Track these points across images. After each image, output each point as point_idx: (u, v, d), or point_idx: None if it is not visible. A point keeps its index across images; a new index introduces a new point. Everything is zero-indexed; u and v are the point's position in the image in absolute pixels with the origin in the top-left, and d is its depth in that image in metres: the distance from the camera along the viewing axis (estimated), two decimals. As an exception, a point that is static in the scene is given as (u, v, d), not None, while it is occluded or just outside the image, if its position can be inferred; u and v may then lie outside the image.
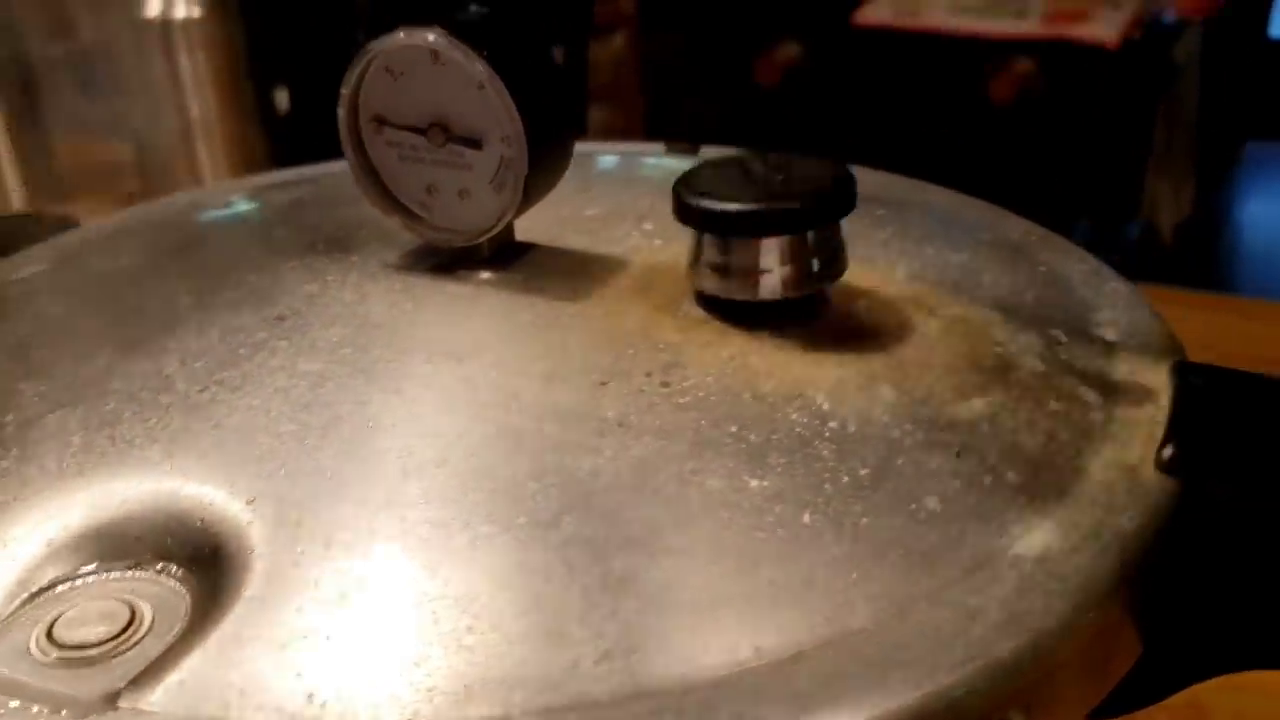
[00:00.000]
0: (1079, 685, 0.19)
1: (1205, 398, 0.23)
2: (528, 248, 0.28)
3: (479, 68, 0.25)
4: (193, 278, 0.28)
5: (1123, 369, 0.25)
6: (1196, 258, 2.86)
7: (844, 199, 0.24)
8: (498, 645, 0.18)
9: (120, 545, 0.20)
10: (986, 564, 0.19)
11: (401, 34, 0.25)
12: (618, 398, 0.22)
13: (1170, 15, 1.90)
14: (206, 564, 0.19)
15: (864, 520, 0.20)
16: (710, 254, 0.25)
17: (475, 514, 0.20)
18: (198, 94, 0.87)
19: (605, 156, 0.38)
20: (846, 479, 0.20)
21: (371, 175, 0.27)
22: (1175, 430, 0.22)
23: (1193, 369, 0.25)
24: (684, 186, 0.24)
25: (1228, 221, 3.26)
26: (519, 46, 0.26)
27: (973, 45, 1.70)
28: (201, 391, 0.23)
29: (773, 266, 0.24)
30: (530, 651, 0.17)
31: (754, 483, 0.20)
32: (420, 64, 0.26)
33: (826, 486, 0.20)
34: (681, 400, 0.22)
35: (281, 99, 1.03)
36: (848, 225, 0.25)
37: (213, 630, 0.18)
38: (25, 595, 0.19)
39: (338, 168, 0.29)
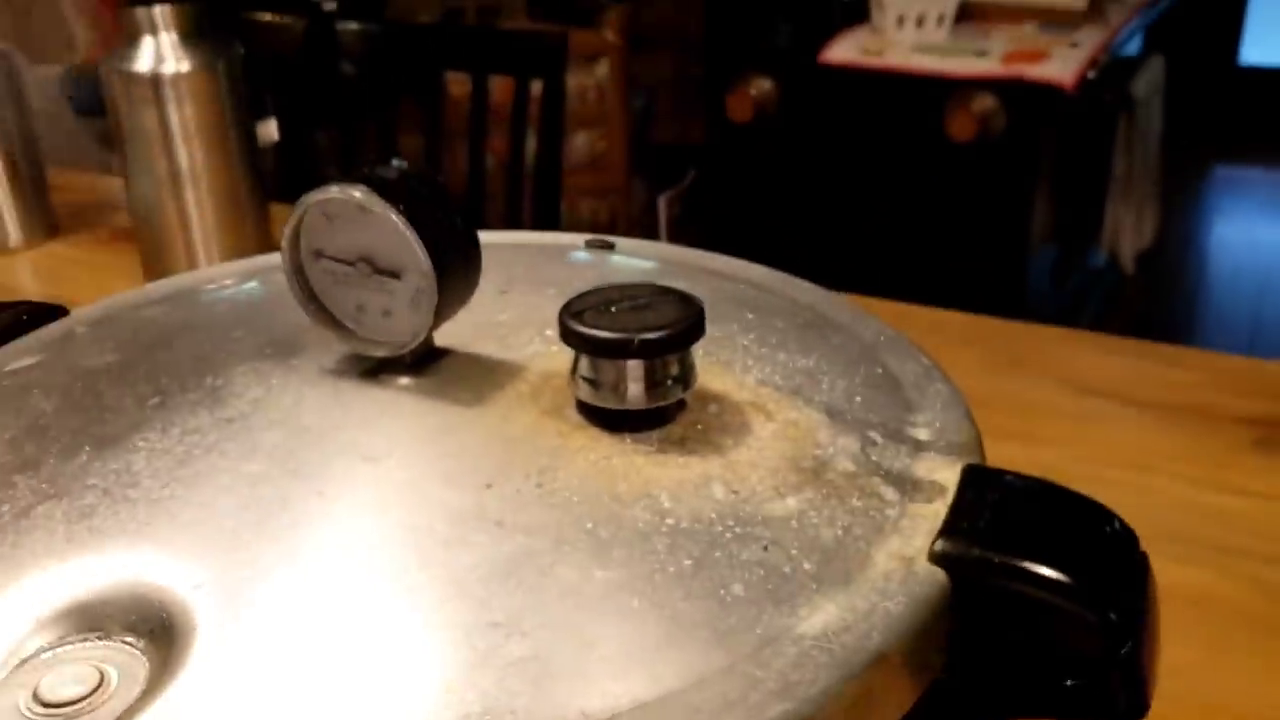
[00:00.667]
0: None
1: (981, 498, 0.29)
2: (444, 353, 0.33)
3: (395, 219, 0.30)
4: (161, 377, 0.33)
5: (922, 468, 0.30)
6: (1158, 285, 2.92)
7: (692, 331, 0.29)
8: (396, 698, 0.23)
9: (93, 619, 0.25)
10: (773, 641, 0.25)
11: (334, 188, 0.31)
12: (499, 499, 0.27)
13: (1127, 50, 1.96)
14: (162, 637, 0.25)
15: (681, 605, 0.25)
16: (584, 370, 0.30)
17: (376, 597, 0.25)
18: (185, 145, 0.92)
19: (529, 250, 0.43)
20: (672, 569, 0.26)
21: (310, 296, 0.32)
22: (947, 527, 0.28)
23: (979, 471, 0.30)
24: (566, 313, 0.30)
25: (1192, 246, 3.33)
26: (427, 198, 0.31)
27: (935, 84, 1.76)
28: (164, 488, 0.28)
29: (633, 382, 0.29)
30: (419, 702, 0.23)
31: (599, 573, 0.26)
32: (350, 212, 0.31)
33: (656, 576, 0.26)
34: (551, 501, 0.27)
35: (270, 129, 1.08)
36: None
37: (167, 691, 0.23)
38: (16, 662, 0.25)
39: None
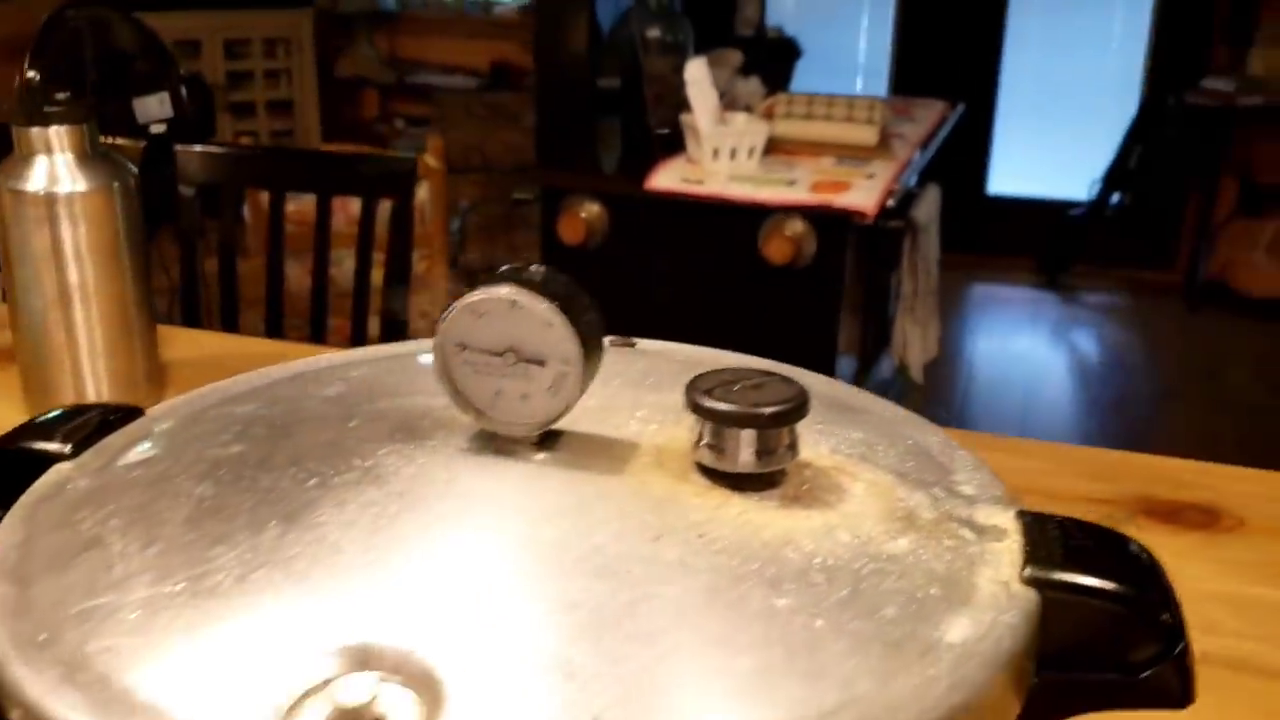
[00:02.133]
0: (991, 724, 0.30)
1: (1044, 535, 0.35)
2: (559, 434, 0.38)
3: (549, 313, 0.35)
4: (306, 462, 0.36)
5: (981, 515, 0.37)
6: (940, 391, 3.17)
7: (802, 407, 0.35)
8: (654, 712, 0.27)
9: (361, 662, 0.28)
10: (932, 649, 0.30)
11: (492, 289, 0.35)
12: (672, 547, 0.32)
13: (910, 181, 2.16)
14: (424, 681, 0.28)
15: (852, 624, 0.30)
16: (712, 439, 0.35)
17: (602, 632, 0.29)
18: (77, 264, 0.92)
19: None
20: (834, 598, 0.31)
21: (452, 384, 0.37)
22: (1029, 557, 0.34)
23: (1029, 515, 0.37)
24: (697, 391, 0.35)
25: (963, 356, 3.63)
26: (569, 295, 0.36)
27: (750, 210, 1.90)
28: (366, 554, 0.32)
29: (757, 449, 0.35)
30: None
31: (780, 602, 0.31)
32: (501, 308, 0.35)
33: (824, 603, 0.31)
34: (715, 548, 0.32)
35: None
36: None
37: None
38: (304, 692, 0.27)
39: (358, 356, 0.39)
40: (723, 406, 0.35)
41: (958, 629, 0.31)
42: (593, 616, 0.30)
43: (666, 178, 1.94)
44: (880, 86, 4.33)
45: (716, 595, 0.31)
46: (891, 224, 1.97)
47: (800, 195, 1.87)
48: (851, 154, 2.07)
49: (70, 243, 0.92)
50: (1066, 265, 4.30)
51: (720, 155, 1.96)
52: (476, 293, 0.36)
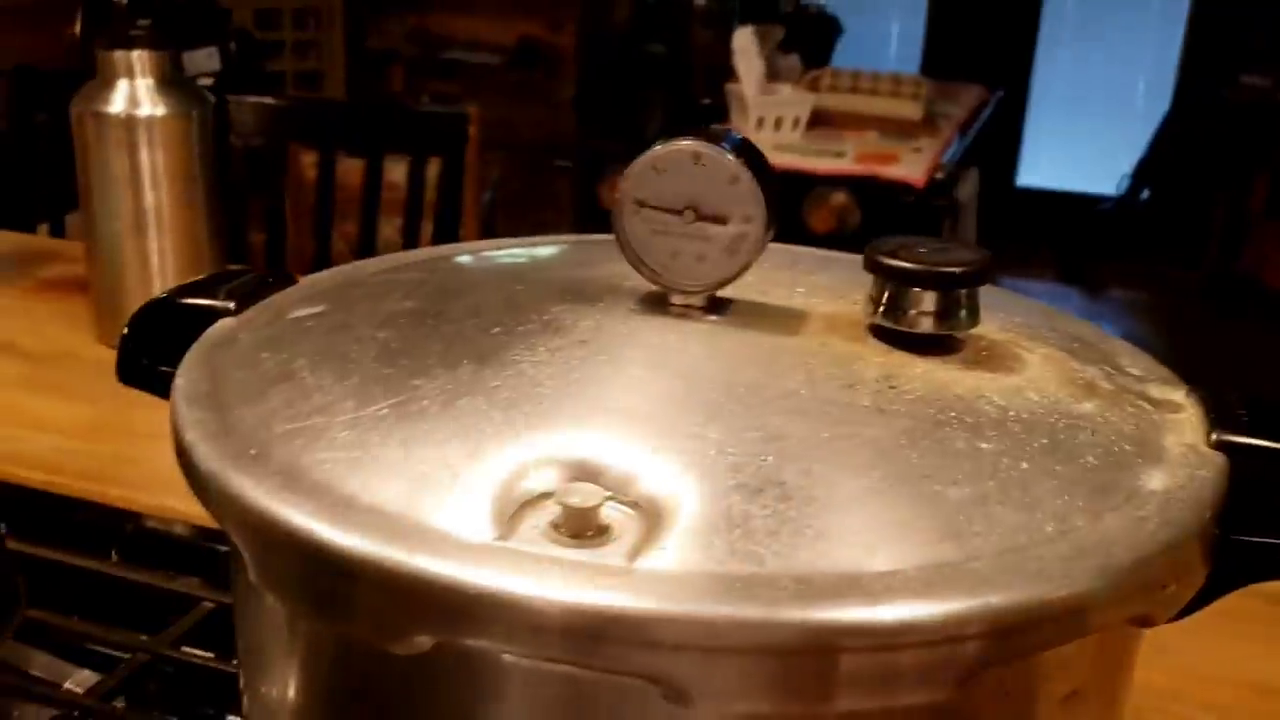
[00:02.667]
0: (1191, 576, 0.30)
1: (1223, 406, 0.35)
2: (728, 301, 0.38)
3: (735, 165, 0.35)
4: (482, 314, 0.36)
5: (1155, 391, 0.37)
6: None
7: (990, 269, 0.35)
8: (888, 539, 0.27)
9: (586, 475, 0.28)
10: (1137, 494, 0.30)
11: (670, 143, 0.35)
12: (868, 395, 0.32)
13: (954, 160, 2.16)
14: (646, 502, 0.28)
15: (1058, 468, 0.30)
16: (897, 300, 0.35)
17: (814, 459, 0.29)
18: (154, 189, 0.92)
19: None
20: (1036, 445, 0.31)
21: (628, 242, 0.37)
22: (1215, 424, 0.34)
23: (1202, 390, 0.37)
24: (882, 252, 0.35)
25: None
26: (751, 153, 0.36)
27: (794, 180, 1.90)
28: (567, 387, 0.32)
29: (941, 310, 0.35)
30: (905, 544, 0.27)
31: (984, 445, 0.31)
32: (683, 164, 0.35)
33: (1027, 448, 0.31)
34: (909, 397, 0.32)
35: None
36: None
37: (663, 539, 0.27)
38: (530, 495, 0.28)
39: (509, 243, 0.40)
40: (909, 265, 0.35)
41: (1156, 480, 0.31)
42: (801, 446, 0.30)
43: (712, 146, 1.94)
44: (911, 70, 4.32)
45: (919, 436, 0.31)
46: (937, 200, 1.97)
47: (848, 165, 1.87)
48: (895, 129, 2.07)
49: (148, 167, 0.92)
50: (1093, 260, 4.29)
51: (765, 125, 1.96)
52: (657, 147, 0.36)
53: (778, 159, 1.92)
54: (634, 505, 0.28)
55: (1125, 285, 4.32)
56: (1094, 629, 0.28)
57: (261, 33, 4.15)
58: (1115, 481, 0.31)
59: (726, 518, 0.27)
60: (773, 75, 2.19)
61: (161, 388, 0.40)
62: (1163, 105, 4.17)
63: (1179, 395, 0.37)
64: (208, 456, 0.30)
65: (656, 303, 0.37)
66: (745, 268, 0.36)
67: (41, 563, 0.63)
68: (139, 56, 0.91)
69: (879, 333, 0.36)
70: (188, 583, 0.62)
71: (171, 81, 0.93)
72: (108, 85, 0.91)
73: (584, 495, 0.27)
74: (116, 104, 0.91)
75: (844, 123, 2.06)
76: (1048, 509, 0.29)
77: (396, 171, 1.59)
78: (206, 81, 1.82)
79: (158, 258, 0.94)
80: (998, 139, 3.98)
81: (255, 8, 4.15)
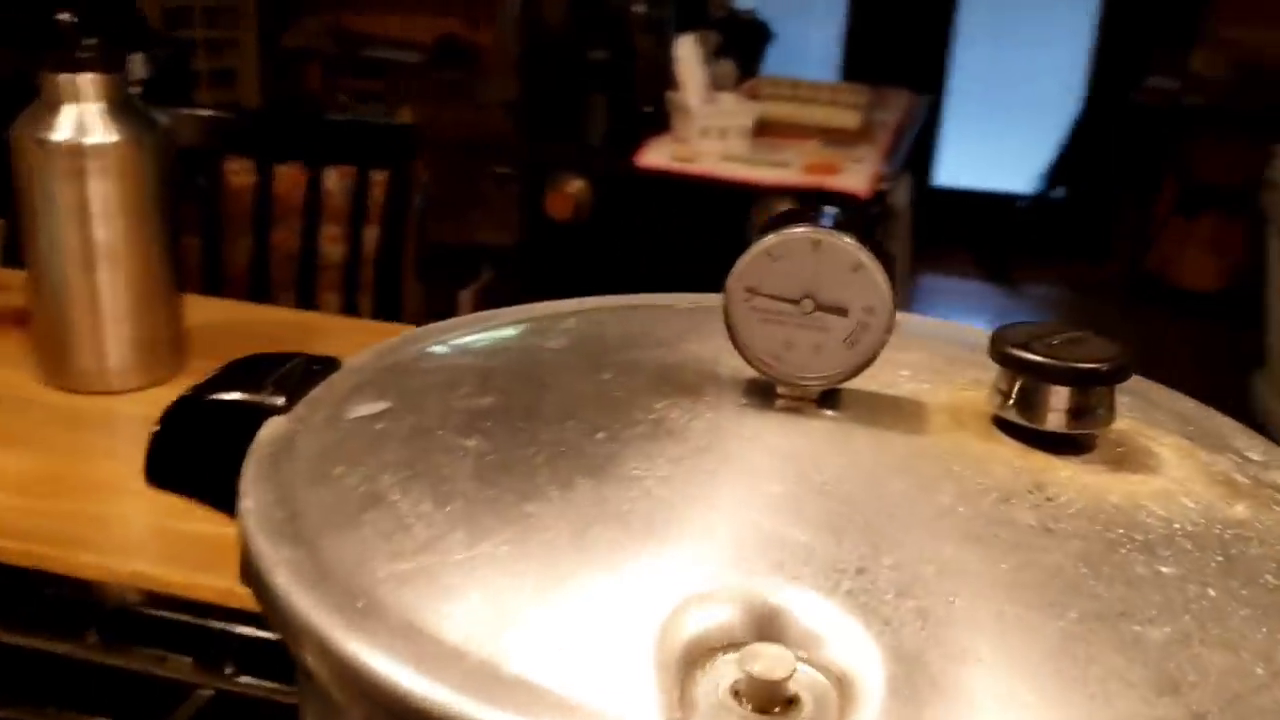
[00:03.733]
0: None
1: (1366, 501, 0.33)
2: (837, 391, 0.35)
3: (858, 253, 0.32)
4: (582, 413, 0.33)
5: (1286, 481, 0.35)
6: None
7: (1129, 365, 0.33)
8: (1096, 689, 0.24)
9: (765, 626, 0.25)
10: (1327, 617, 0.28)
11: (785, 230, 0.32)
12: (1028, 510, 0.30)
13: (896, 167, 2.16)
14: (842, 677, 0.25)
15: (1243, 592, 0.28)
16: (1038, 398, 0.33)
17: (1004, 602, 0.27)
18: (105, 221, 0.86)
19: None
20: (1213, 565, 0.29)
21: (738, 333, 0.33)
22: (1371, 524, 0.32)
23: (1335, 481, 0.35)
24: (1017, 345, 0.32)
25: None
26: (868, 238, 0.33)
27: (738, 190, 1.88)
28: (707, 510, 0.29)
29: (1086, 407, 0.32)
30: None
31: (1164, 570, 0.28)
32: (801, 251, 0.32)
33: (1206, 570, 0.29)
34: (1070, 512, 0.30)
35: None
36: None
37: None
38: (699, 656, 0.24)
39: (556, 309, 0.37)
40: (1048, 361, 0.32)
41: (1343, 598, 0.29)
42: (984, 582, 0.27)
43: (657, 155, 1.91)
44: (830, 76, 4.33)
45: (1097, 562, 0.28)
46: (874, 209, 1.96)
47: (794, 176, 1.86)
48: (835, 138, 2.06)
49: (98, 198, 0.86)
50: (1010, 258, 4.35)
51: (709, 134, 1.94)
52: (772, 235, 0.33)
53: (726, 170, 1.90)
54: (824, 670, 0.25)
55: (1041, 282, 4.39)
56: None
57: (171, 31, 4.02)
58: (1302, 604, 0.28)
59: (932, 685, 0.24)
60: (710, 83, 2.17)
61: (200, 491, 0.36)
62: (1075, 106, 4.24)
63: (1312, 485, 0.35)
64: (310, 609, 0.27)
65: (766, 394, 0.34)
66: (867, 363, 0.33)
67: (4, 649, 0.58)
68: (87, 80, 0.85)
69: (1005, 426, 0.33)
70: (179, 666, 0.57)
71: (122, 105, 0.87)
72: (52, 110, 0.85)
73: (772, 662, 0.24)
74: (63, 130, 0.85)
75: (785, 132, 2.04)
76: (1251, 646, 0.27)
77: (329, 179, 1.53)
78: (135, 90, 1.74)
79: (109, 295, 0.88)
80: (918, 140, 4.02)
81: (165, 6, 4.01)
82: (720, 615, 0.26)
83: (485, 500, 0.29)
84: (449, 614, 0.26)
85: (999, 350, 0.33)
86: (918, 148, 4.21)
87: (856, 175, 1.86)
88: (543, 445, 0.32)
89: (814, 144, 2.02)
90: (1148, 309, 4.19)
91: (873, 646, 0.25)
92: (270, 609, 0.28)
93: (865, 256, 0.32)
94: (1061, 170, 4.28)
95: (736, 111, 1.96)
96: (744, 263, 0.33)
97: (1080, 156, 4.28)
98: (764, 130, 2.01)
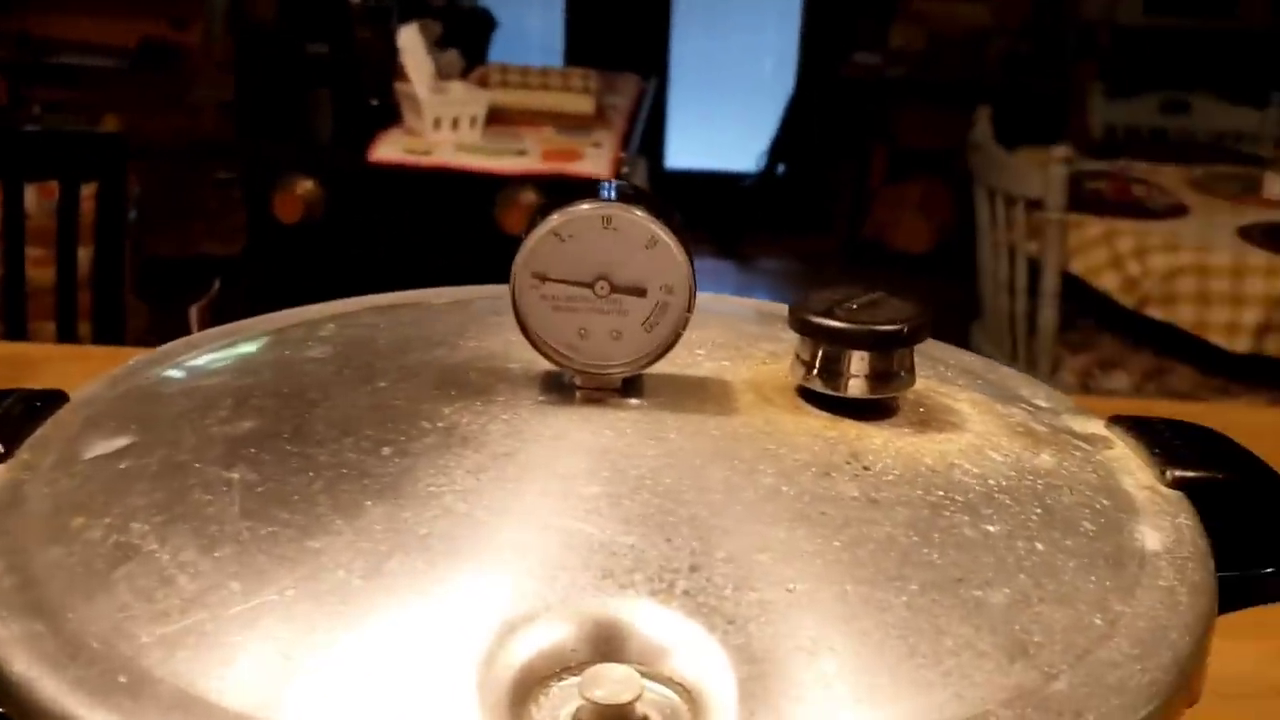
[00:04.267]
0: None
1: (1155, 437, 0.34)
2: (637, 379, 0.33)
3: (653, 227, 0.30)
4: (355, 431, 0.29)
5: (1076, 424, 0.35)
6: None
7: (927, 325, 0.32)
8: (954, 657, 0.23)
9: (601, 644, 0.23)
10: (1145, 560, 0.28)
11: (572, 208, 0.30)
12: (848, 483, 0.28)
13: (633, 151, 2.17)
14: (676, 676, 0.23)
15: (1068, 542, 0.28)
16: (828, 365, 0.31)
17: (844, 581, 0.25)
18: None
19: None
20: (1035, 519, 0.28)
21: (528, 324, 0.31)
22: (1162, 460, 0.33)
23: (1121, 420, 0.35)
24: (814, 311, 0.31)
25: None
26: (662, 209, 0.31)
27: (479, 181, 1.84)
28: (517, 524, 0.26)
29: (890, 371, 0.32)
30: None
31: (990, 529, 0.28)
32: (588, 229, 0.30)
33: (1029, 525, 0.28)
34: (888, 479, 0.29)
35: None
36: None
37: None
38: (530, 691, 0.22)
39: (303, 315, 0.34)
40: (846, 326, 0.31)
41: (1150, 536, 0.29)
42: (824, 564, 0.25)
43: (389, 149, 1.84)
44: (555, 62, 4.34)
45: (926, 528, 0.27)
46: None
47: (534, 164, 1.83)
48: (570, 124, 2.05)
49: None
50: (741, 235, 4.49)
51: (442, 125, 1.89)
52: (558, 214, 0.30)
53: (461, 160, 1.85)
54: (670, 683, 0.23)
55: (771, 255, 4.56)
56: (1171, 726, 0.25)
57: None
58: (1119, 548, 0.28)
59: (785, 682, 0.22)
60: (437, 73, 2.12)
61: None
62: (788, 84, 4.41)
63: (1097, 427, 0.35)
64: (61, 695, 0.22)
65: (564, 388, 0.32)
66: (670, 345, 0.31)
67: None
68: None
69: (810, 396, 0.32)
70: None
71: None
72: None
73: (617, 685, 0.22)
74: None
75: (519, 119, 2.01)
76: (1086, 598, 0.26)
77: (28, 198, 1.40)
78: None
79: None
80: (648, 124, 4.07)
81: None
82: (549, 637, 0.23)
83: (260, 540, 0.25)
84: (231, 678, 0.22)
85: (800, 319, 0.32)
86: (649, 131, 4.28)
87: (596, 160, 1.85)
88: (320, 469, 0.28)
89: (549, 130, 2.00)
90: (870, 273, 4.41)
91: (719, 650, 0.23)
92: (10, 700, 0.23)
93: (660, 230, 0.30)
94: (781, 147, 4.44)
95: (467, 100, 1.91)
96: (530, 246, 0.30)
97: (797, 133, 4.46)
98: (497, 118, 1.97)
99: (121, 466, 0.29)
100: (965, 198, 2.49)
